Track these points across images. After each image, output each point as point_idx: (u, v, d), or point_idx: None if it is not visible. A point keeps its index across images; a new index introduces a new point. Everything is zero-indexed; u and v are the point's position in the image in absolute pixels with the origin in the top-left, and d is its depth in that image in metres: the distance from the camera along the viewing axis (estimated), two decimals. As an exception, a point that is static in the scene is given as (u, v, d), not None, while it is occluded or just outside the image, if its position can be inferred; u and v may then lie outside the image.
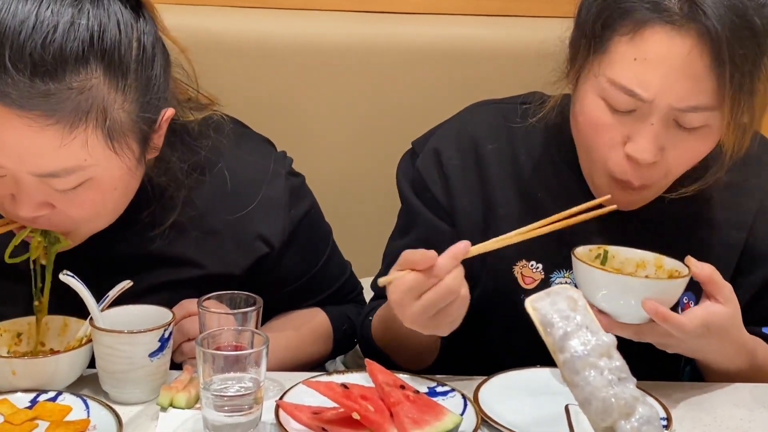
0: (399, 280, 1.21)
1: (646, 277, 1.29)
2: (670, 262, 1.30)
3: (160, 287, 1.42)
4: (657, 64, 1.23)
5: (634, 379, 1.01)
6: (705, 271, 1.25)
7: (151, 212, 1.39)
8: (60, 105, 1.16)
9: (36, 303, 1.33)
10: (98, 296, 1.30)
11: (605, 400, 0.97)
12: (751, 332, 1.37)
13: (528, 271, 1.44)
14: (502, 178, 1.46)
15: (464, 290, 1.23)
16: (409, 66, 1.93)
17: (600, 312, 1.23)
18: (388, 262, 1.51)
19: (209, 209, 1.43)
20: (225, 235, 1.44)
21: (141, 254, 1.41)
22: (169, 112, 1.30)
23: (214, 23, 1.93)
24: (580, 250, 1.28)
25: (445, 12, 1.97)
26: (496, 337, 1.50)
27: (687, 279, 1.24)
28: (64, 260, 1.31)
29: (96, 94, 1.19)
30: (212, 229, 1.43)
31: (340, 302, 1.63)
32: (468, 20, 1.96)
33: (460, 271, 1.22)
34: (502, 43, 1.93)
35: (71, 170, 1.21)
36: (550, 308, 1.05)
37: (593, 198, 1.32)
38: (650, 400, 1.25)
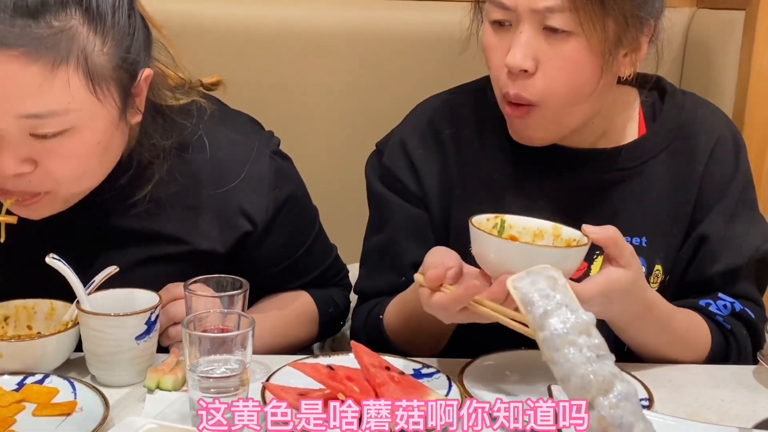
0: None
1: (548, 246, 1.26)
2: (567, 231, 1.28)
3: (145, 262, 1.44)
4: None
5: (613, 357, 1.02)
6: (608, 233, 1.23)
7: (132, 183, 1.41)
8: (42, 43, 1.21)
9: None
10: (82, 274, 1.31)
11: (584, 376, 0.98)
12: (685, 305, 1.41)
13: None
14: (459, 161, 1.50)
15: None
16: (400, 51, 1.95)
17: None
18: (371, 260, 1.54)
19: (192, 185, 1.45)
20: (208, 211, 1.46)
21: (124, 229, 1.43)
22: (147, 72, 1.33)
23: (204, 8, 1.94)
24: (477, 219, 1.26)
25: (435, -2, 1.98)
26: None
27: (586, 248, 1.22)
28: (54, 233, 1.34)
29: (76, 35, 1.23)
30: (195, 205, 1.45)
31: (326, 285, 1.64)
32: (458, 6, 1.96)
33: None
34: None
35: (55, 113, 1.24)
36: (531, 287, 1.06)
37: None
38: (631, 379, 1.26)
